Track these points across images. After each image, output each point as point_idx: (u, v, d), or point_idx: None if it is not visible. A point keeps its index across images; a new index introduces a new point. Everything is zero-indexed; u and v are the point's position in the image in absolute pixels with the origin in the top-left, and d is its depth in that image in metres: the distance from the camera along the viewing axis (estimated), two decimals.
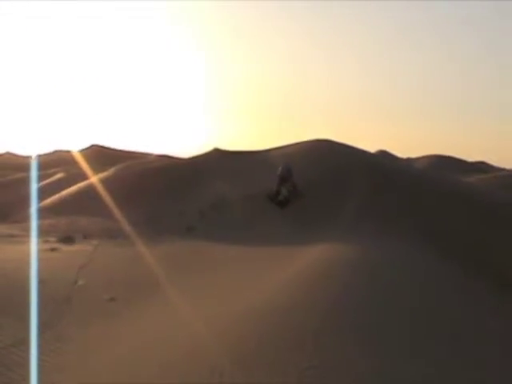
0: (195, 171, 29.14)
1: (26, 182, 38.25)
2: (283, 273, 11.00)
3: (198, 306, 9.41)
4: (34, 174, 43.73)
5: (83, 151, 64.05)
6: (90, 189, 29.70)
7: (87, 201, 27.46)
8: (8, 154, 75.90)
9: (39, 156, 63.41)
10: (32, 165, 52.64)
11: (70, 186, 33.23)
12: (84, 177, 35.29)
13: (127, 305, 10.43)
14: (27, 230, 21.23)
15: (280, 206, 22.78)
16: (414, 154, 70.50)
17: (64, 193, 31.74)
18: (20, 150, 77.50)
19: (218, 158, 31.06)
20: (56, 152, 71.81)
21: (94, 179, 32.11)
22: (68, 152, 65.56)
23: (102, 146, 69.92)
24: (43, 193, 32.36)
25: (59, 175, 42.08)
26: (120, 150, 70.49)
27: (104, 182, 30.27)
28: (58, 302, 10.42)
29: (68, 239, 18.56)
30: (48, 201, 30.27)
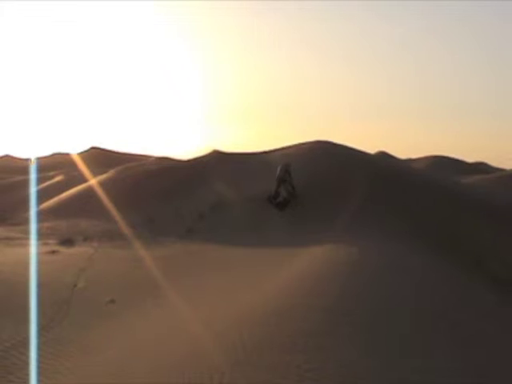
0: (195, 173, 29.12)
1: (25, 184, 38.24)
2: (283, 274, 11.01)
3: (198, 308, 9.41)
4: (33, 176, 43.70)
5: (82, 154, 64.11)
6: (90, 191, 29.70)
7: (87, 203, 27.46)
8: (7, 156, 75.83)
9: (38, 159, 63.40)
10: (31, 168, 52.58)
11: (69, 189, 33.21)
12: (83, 179, 35.30)
13: (127, 307, 10.42)
14: (27, 233, 21.24)
15: (279, 207, 22.74)
16: (413, 155, 70.34)
17: (64, 195, 31.71)
18: (19, 152, 77.66)
19: (218, 160, 31.04)
20: (55, 154, 71.88)
21: (93, 182, 32.11)
22: (67, 154, 65.63)
23: (101, 149, 69.93)
24: (43, 195, 32.33)
25: (59, 178, 42.06)
26: (119, 153, 70.52)
27: (103, 184, 30.26)
28: (58, 304, 10.43)
29: (68, 242, 18.60)
30: (48, 203, 30.26)
